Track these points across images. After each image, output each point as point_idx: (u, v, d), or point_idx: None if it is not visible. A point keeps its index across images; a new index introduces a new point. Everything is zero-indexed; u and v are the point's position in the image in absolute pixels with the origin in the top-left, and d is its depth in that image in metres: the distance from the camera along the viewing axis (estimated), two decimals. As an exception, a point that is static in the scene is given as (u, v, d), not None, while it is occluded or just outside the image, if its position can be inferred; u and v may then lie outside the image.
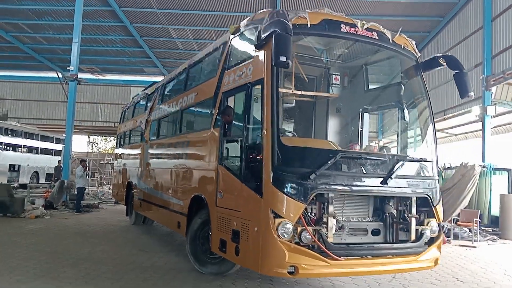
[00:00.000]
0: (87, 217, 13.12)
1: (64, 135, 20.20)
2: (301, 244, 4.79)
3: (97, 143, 41.32)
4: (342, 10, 19.52)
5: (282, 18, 4.92)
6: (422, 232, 5.55)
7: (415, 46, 6.32)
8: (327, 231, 4.97)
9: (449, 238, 10.93)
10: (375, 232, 5.55)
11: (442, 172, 15.20)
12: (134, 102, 13.36)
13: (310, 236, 4.77)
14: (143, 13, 19.39)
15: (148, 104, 10.90)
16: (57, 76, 25.36)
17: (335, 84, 7.18)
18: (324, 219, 5.01)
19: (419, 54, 6.40)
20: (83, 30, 17.24)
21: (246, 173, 5.31)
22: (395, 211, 5.66)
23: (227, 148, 5.97)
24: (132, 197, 11.63)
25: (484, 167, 13.22)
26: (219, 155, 6.07)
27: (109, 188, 22.09)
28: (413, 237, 5.53)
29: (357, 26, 5.68)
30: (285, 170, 4.86)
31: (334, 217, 5.05)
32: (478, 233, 10.97)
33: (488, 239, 11.24)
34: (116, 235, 10.02)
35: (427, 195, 5.72)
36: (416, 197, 5.66)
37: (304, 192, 4.83)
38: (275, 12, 5.24)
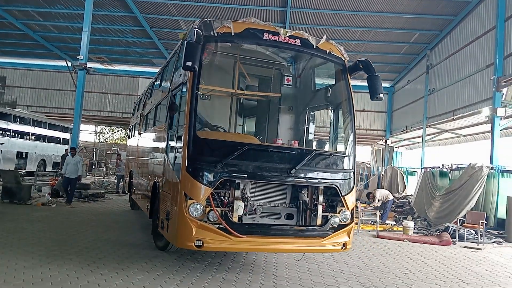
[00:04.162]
0: (92, 206, 13.20)
1: (72, 124, 20.25)
2: (210, 222, 5.58)
3: (104, 133, 41.43)
4: (355, 7, 19.66)
5: (198, 28, 5.67)
6: (328, 218, 6.24)
7: (342, 51, 6.86)
8: (233, 212, 5.76)
9: (455, 240, 10.87)
10: (289, 216, 6.44)
11: (449, 172, 15.12)
12: (141, 96, 13.88)
13: (216, 216, 5.56)
14: (154, 3, 19.35)
15: (144, 99, 11.96)
16: (66, 65, 25.44)
17: (287, 84, 7.90)
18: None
19: (347, 58, 6.89)
20: (93, 19, 17.25)
21: (175, 162, 6.21)
22: (308, 198, 6.42)
23: (169, 140, 6.80)
24: (132, 185, 12.53)
25: (492, 168, 13.11)
26: (165, 146, 6.96)
27: (114, 178, 22.16)
28: (319, 222, 6.25)
29: (279, 34, 6.35)
30: (197, 159, 5.66)
31: (243, 200, 5.89)
32: (484, 235, 10.91)
33: (493, 242, 11.16)
34: (120, 225, 10.07)
35: (334, 185, 6.33)
36: (325, 187, 6.34)
37: (212, 178, 5.63)
38: (202, 22, 5.93)
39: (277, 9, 18.91)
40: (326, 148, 7.29)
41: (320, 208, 6.28)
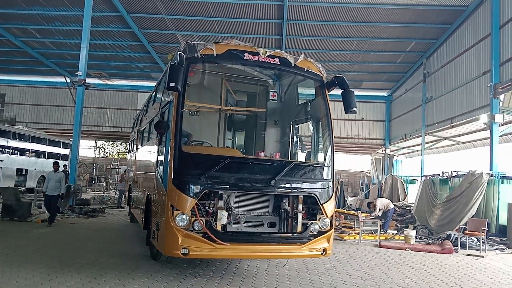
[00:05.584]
0: (92, 222, 13.15)
1: (71, 139, 20.27)
2: (195, 231, 5.86)
3: (104, 148, 41.46)
4: (351, 18, 19.87)
5: (182, 51, 6.11)
6: (308, 225, 6.52)
7: (320, 68, 7.29)
8: (217, 221, 6.04)
9: (457, 247, 10.83)
10: (272, 224, 6.71)
11: (450, 180, 15.10)
12: (139, 113, 14.13)
13: (201, 225, 5.85)
14: (151, 19, 19.54)
15: (141, 116, 12.17)
16: (65, 81, 25.55)
17: (271, 99, 8.16)
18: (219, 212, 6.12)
19: (325, 75, 7.31)
20: (92, 35, 17.39)
21: (163, 175, 6.49)
22: (289, 207, 6.68)
23: (159, 155, 7.07)
24: (131, 199, 12.95)
25: (492, 175, 13.11)
26: (156, 160, 7.31)
27: (115, 193, 22.13)
28: (299, 229, 6.55)
29: (259, 54, 6.78)
30: (183, 172, 5.99)
31: (226, 210, 6.16)
32: (486, 242, 10.86)
33: (496, 249, 11.11)
34: (120, 240, 10.03)
35: (313, 194, 6.65)
36: (304, 196, 6.65)
37: (196, 190, 5.95)
38: (186, 45, 6.37)
39: (274, 22, 19.08)
40: (306, 159, 7.56)
41: (300, 216, 6.58)
